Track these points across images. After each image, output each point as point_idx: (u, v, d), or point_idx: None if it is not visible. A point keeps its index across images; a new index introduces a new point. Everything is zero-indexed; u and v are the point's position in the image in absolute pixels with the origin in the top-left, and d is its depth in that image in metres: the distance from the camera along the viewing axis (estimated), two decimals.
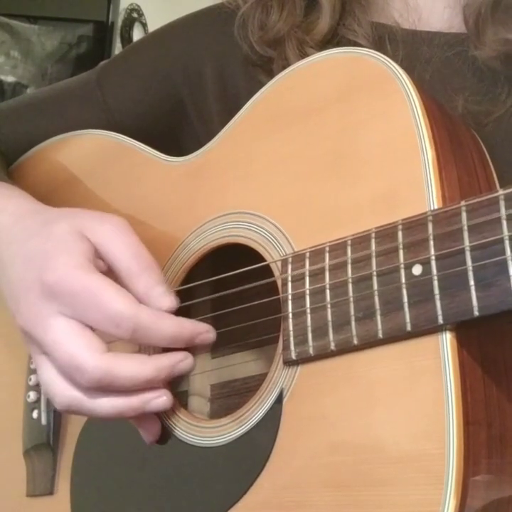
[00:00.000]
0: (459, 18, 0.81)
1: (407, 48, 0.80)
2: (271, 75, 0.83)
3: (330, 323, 0.66)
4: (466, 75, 0.79)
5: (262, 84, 0.79)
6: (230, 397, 0.82)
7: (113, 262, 0.72)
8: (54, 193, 0.91)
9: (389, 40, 0.81)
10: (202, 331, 0.73)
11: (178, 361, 0.72)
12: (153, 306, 0.71)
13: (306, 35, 0.84)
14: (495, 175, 0.70)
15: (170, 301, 0.72)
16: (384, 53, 0.70)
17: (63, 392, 0.71)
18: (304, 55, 0.82)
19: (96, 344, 0.69)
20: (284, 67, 0.81)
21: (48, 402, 0.85)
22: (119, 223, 0.73)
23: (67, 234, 0.72)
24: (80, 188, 0.90)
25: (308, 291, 0.68)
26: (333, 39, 0.84)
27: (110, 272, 0.73)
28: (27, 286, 0.71)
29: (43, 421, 0.86)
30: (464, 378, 0.60)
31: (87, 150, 0.92)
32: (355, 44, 0.81)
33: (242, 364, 0.82)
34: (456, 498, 0.57)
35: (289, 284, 0.69)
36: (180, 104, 0.92)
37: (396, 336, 0.62)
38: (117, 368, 0.69)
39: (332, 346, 0.65)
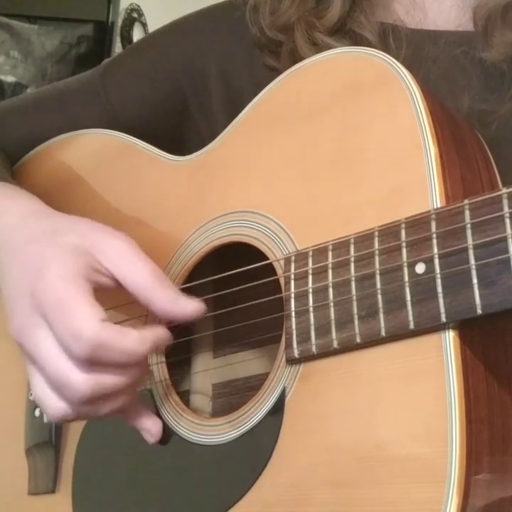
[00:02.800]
0: (466, 16, 0.81)
1: (411, 45, 0.80)
2: (278, 58, 0.85)
3: (333, 322, 0.66)
4: (472, 73, 0.79)
5: (266, 69, 0.79)
6: (232, 396, 0.82)
7: (127, 279, 0.70)
8: (57, 192, 0.90)
9: (393, 37, 0.81)
10: (162, 336, 0.71)
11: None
12: (182, 312, 0.70)
13: (316, 20, 0.84)
14: (498, 174, 0.70)
15: (198, 304, 0.70)
16: (388, 50, 0.70)
17: (55, 405, 0.69)
18: (312, 39, 0.83)
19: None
20: (292, 50, 0.82)
21: None
22: (130, 241, 0.71)
23: (71, 247, 0.69)
24: (83, 188, 0.90)
25: (311, 290, 0.68)
26: (341, 29, 0.84)
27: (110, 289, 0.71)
28: (20, 293, 0.70)
29: (45, 419, 0.85)
30: (466, 376, 0.60)
31: (90, 149, 0.92)
32: (362, 37, 0.82)
33: (244, 363, 0.82)
34: (459, 496, 0.58)
35: (292, 283, 0.69)
36: (184, 103, 0.92)
37: (399, 334, 0.62)
38: (105, 380, 0.67)
39: (335, 344, 0.66)
